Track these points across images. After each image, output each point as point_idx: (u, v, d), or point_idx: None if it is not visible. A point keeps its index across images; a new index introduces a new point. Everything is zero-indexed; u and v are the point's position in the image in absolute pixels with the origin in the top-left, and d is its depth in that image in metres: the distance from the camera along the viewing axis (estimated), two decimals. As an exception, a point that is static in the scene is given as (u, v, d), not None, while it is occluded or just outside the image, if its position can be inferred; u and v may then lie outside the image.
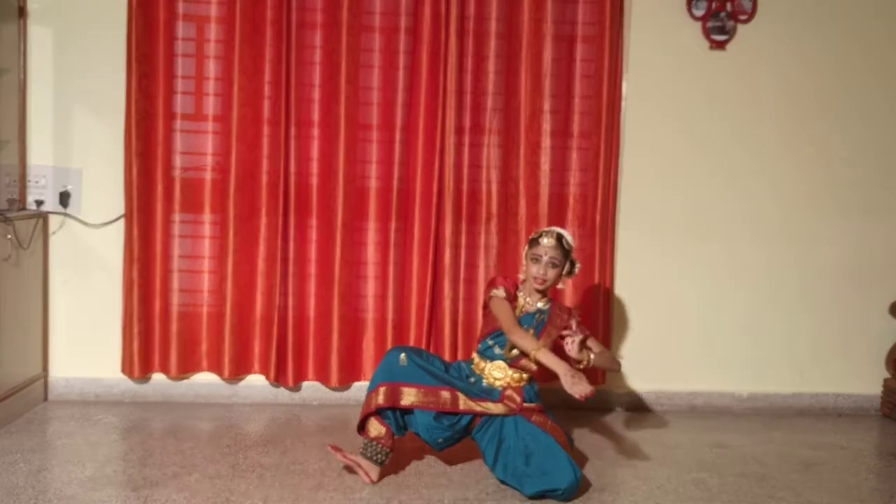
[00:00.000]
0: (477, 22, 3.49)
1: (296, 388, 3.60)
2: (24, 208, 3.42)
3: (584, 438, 3.30)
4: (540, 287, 2.81)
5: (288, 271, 3.50)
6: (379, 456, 2.71)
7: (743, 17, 3.61)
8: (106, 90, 3.41)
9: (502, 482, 2.74)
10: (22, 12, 3.37)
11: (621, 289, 3.66)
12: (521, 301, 2.85)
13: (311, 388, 3.61)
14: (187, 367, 3.53)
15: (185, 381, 3.57)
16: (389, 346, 3.52)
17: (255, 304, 3.50)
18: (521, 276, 2.89)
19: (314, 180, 3.50)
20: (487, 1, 3.48)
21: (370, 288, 3.56)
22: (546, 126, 3.54)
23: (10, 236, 3.17)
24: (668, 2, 3.59)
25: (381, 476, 2.76)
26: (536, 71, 3.51)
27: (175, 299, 3.49)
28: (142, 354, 3.45)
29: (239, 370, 3.53)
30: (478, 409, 2.74)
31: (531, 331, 2.79)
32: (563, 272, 2.82)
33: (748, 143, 3.66)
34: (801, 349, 3.74)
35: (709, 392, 3.73)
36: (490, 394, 2.78)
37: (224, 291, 3.47)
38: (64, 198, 3.46)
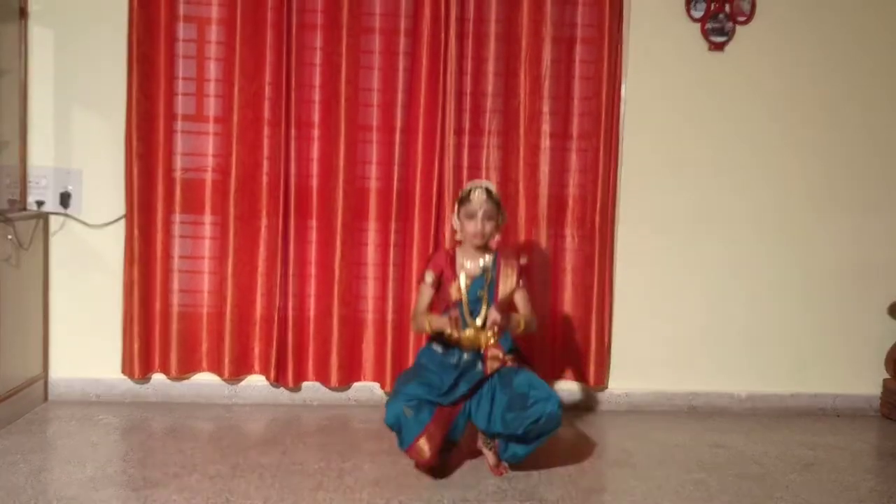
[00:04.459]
0: (476, 24, 3.49)
1: (296, 388, 3.61)
2: (24, 209, 3.42)
3: (584, 438, 3.31)
4: (479, 242, 2.82)
5: (288, 272, 3.50)
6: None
7: (741, 19, 3.62)
8: (107, 91, 3.42)
9: (502, 435, 2.75)
10: (23, 13, 3.37)
11: (621, 290, 3.67)
12: (462, 267, 2.83)
13: (311, 389, 3.62)
14: (187, 367, 3.53)
15: (186, 382, 3.58)
16: (389, 346, 3.53)
17: (256, 304, 3.50)
18: (458, 237, 2.89)
19: (314, 181, 3.50)
20: (487, 3, 3.48)
21: (370, 289, 3.56)
22: (545, 127, 3.55)
23: (10, 237, 3.18)
24: (667, 3, 3.60)
25: (385, 478, 2.79)
26: (536, 73, 3.52)
27: (175, 300, 3.50)
28: (142, 355, 3.46)
29: (239, 371, 3.53)
30: (473, 384, 2.75)
31: (483, 293, 2.79)
32: (497, 225, 2.85)
33: (748, 144, 3.67)
34: (800, 350, 3.75)
35: (708, 392, 3.74)
36: (475, 364, 2.79)
37: (224, 292, 3.48)
38: (64, 198, 3.47)
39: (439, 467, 2.80)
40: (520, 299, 2.87)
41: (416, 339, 3.52)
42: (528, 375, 2.77)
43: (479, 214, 2.79)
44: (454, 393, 2.74)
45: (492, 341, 2.78)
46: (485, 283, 2.81)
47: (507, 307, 2.84)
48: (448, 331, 2.73)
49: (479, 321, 2.79)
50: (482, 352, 2.80)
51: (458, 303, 2.81)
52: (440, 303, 2.90)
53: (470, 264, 2.84)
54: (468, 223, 2.81)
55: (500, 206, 2.86)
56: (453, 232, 2.96)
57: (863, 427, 3.61)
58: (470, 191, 2.83)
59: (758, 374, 3.74)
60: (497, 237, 2.89)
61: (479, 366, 2.80)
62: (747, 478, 2.92)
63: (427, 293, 2.88)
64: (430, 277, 2.87)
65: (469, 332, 2.80)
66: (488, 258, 2.85)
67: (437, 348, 2.86)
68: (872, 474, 3.05)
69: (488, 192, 2.82)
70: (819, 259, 3.73)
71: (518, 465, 2.85)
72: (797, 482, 2.89)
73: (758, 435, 3.43)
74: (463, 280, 2.80)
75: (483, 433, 2.84)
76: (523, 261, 2.88)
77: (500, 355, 2.79)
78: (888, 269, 3.76)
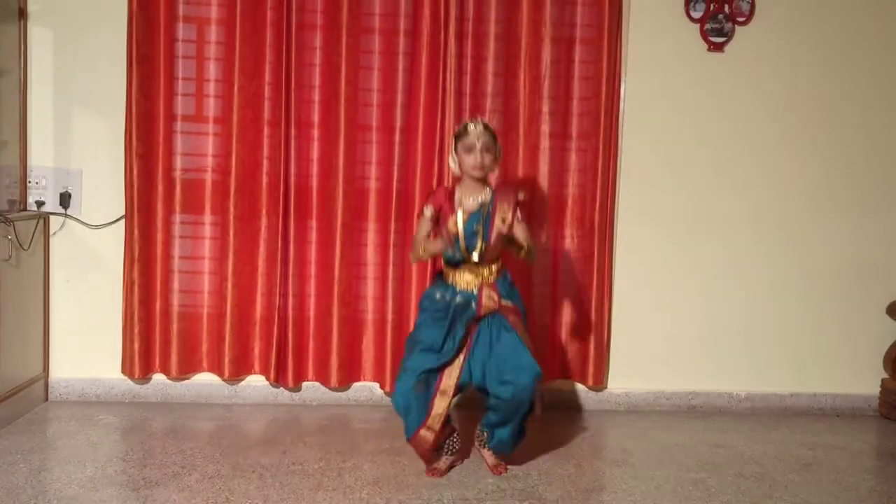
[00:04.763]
0: (476, 24, 3.50)
1: (296, 388, 3.61)
2: (24, 209, 3.43)
3: (583, 438, 3.32)
4: (479, 174, 2.80)
5: (288, 272, 3.50)
6: (455, 446, 2.88)
7: (741, 19, 3.62)
8: (106, 91, 3.42)
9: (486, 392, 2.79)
10: (22, 13, 3.38)
11: (620, 289, 3.67)
12: (461, 203, 2.82)
13: (311, 389, 3.62)
14: (188, 367, 3.54)
15: (186, 382, 3.58)
16: (389, 347, 3.53)
17: (256, 304, 3.50)
18: (455, 171, 2.89)
19: (314, 181, 3.51)
20: (487, 3, 3.49)
21: (370, 289, 3.56)
22: (545, 127, 3.55)
23: (10, 237, 3.18)
24: (667, 4, 3.60)
25: (384, 477, 2.80)
26: (535, 73, 3.52)
27: (175, 300, 3.50)
28: (142, 355, 3.46)
29: (239, 371, 3.53)
30: (468, 324, 2.78)
31: (479, 227, 2.78)
32: (495, 157, 2.84)
33: (747, 144, 3.67)
34: (799, 349, 3.75)
35: (707, 392, 3.74)
36: (468, 305, 2.79)
37: (224, 292, 3.48)
38: (64, 198, 3.47)
39: (438, 456, 2.84)
40: (519, 231, 2.84)
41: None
42: (513, 339, 2.77)
43: (478, 146, 2.78)
44: (453, 338, 2.76)
45: (490, 279, 2.81)
46: (481, 218, 2.80)
47: (506, 240, 2.83)
48: (443, 249, 2.74)
49: (475, 256, 2.78)
50: (477, 292, 2.80)
51: (455, 237, 2.78)
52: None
53: (468, 200, 2.84)
54: (467, 156, 2.80)
55: (496, 139, 2.85)
56: (450, 171, 2.96)
57: (862, 427, 3.61)
58: (466, 125, 2.84)
59: (757, 374, 3.75)
60: (495, 171, 2.90)
61: (473, 306, 2.80)
62: (746, 477, 2.92)
63: (425, 226, 2.86)
64: (428, 212, 2.85)
65: (466, 268, 2.81)
66: (486, 193, 2.85)
67: (436, 293, 2.86)
68: (872, 474, 3.05)
69: (484, 124, 2.83)
70: (819, 259, 3.73)
71: (508, 454, 2.87)
72: (796, 482, 2.90)
73: (757, 435, 3.43)
74: (460, 215, 2.79)
75: (479, 391, 2.85)
76: (521, 196, 2.87)
77: (495, 297, 2.80)
78: (888, 269, 3.76)
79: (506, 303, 2.81)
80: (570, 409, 3.67)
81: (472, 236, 2.77)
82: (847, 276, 3.73)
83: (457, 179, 2.92)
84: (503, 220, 2.78)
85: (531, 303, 3.56)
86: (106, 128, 3.45)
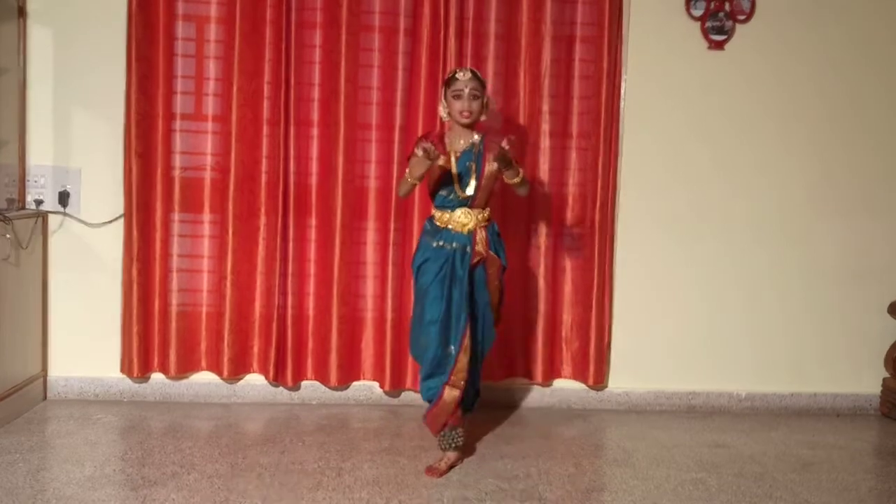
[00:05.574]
0: (476, 23, 3.49)
1: (295, 387, 3.60)
2: (23, 208, 3.42)
3: (583, 438, 3.31)
4: (467, 120, 2.84)
5: (287, 271, 3.50)
6: (457, 440, 2.88)
7: (741, 17, 3.61)
8: (106, 90, 3.42)
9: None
10: (22, 12, 3.37)
11: (620, 288, 3.66)
12: (452, 146, 2.86)
13: (310, 388, 3.62)
14: (186, 366, 3.53)
15: (185, 381, 3.58)
16: (388, 345, 3.53)
17: (255, 303, 3.50)
18: (445, 118, 2.92)
19: (313, 180, 3.50)
20: (487, 2, 3.49)
21: (369, 287, 3.56)
22: (545, 126, 3.55)
23: (9, 236, 3.18)
24: (667, 2, 3.60)
25: (384, 477, 2.79)
26: (535, 72, 3.51)
27: (174, 299, 3.50)
28: (141, 354, 3.46)
29: (238, 370, 3.53)
30: (465, 281, 2.84)
31: (472, 164, 2.83)
32: (483, 104, 2.86)
33: (747, 143, 3.66)
34: (800, 349, 3.74)
35: (707, 392, 3.74)
36: (465, 249, 2.84)
37: (223, 291, 3.47)
38: (63, 197, 3.47)
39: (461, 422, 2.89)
40: (513, 163, 2.86)
41: (415, 339, 3.52)
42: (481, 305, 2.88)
43: (466, 92, 2.82)
44: (459, 288, 2.81)
45: (482, 223, 2.85)
46: (473, 156, 2.85)
47: (496, 182, 2.88)
48: (427, 165, 2.72)
49: (469, 190, 2.82)
50: (471, 235, 2.84)
51: (448, 172, 2.83)
52: (430, 182, 2.91)
53: (458, 142, 2.88)
54: (455, 102, 2.84)
55: (484, 87, 2.88)
56: (441, 120, 3.00)
57: (862, 426, 3.61)
58: (455, 71, 2.88)
59: (757, 374, 3.74)
60: (483, 118, 2.92)
61: (468, 250, 2.84)
62: (746, 477, 2.92)
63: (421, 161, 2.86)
64: (419, 150, 2.82)
65: (461, 211, 2.84)
66: (476, 137, 2.89)
67: (431, 242, 2.87)
68: (872, 473, 3.05)
69: (473, 72, 2.87)
70: (819, 259, 3.72)
71: (469, 415, 3.01)
72: (796, 481, 2.89)
73: (757, 434, 3.42)
74: (452, 155, 2.84)
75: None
76: (512, 139, 2.90)
77: (485, 243, 2.85)
78: (888, 269, 3.75)
79: (492, 254, 2.88)
80: (570, 409, 3.67)
81: (465, 173, 2.84)
82: (847, 275, 3.73)
83: (446, 126, 2.96)
84: (493, 164, 2.80)
85: (530, 303, 3.56)
86: (105, 126, 3.44)
